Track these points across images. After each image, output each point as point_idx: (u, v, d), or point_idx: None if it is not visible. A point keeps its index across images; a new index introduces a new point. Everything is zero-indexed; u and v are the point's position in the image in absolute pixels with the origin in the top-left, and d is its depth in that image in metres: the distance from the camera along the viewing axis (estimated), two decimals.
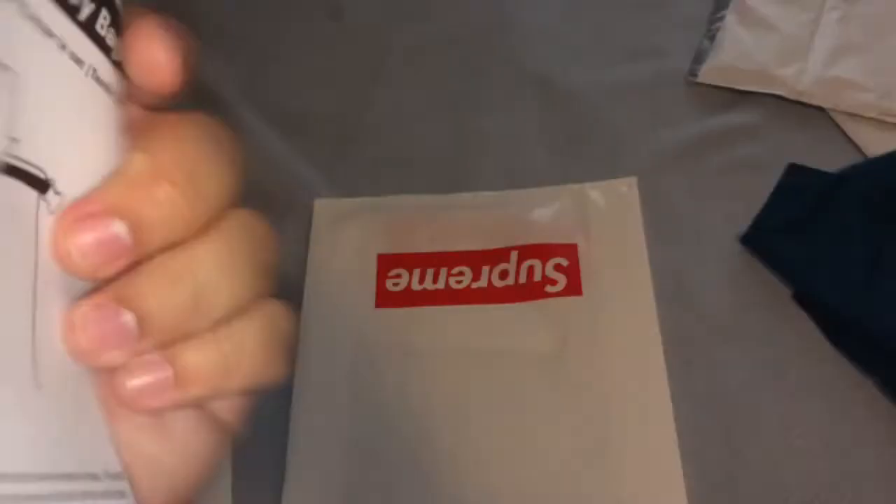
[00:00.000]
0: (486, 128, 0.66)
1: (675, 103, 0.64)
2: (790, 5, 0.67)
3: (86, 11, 0.18)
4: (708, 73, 0.64)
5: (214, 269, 0.20)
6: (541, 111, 0.66)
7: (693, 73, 0.65)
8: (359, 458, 0.51)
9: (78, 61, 0.18)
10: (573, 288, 0.56)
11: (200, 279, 0.20)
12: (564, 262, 0.57)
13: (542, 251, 0.58)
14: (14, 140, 0.17)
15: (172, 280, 0.19)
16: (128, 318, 0.19)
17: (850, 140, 0.61)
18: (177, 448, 0.22)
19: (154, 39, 0.20)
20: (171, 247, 0.19)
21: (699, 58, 0.66)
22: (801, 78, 0.63)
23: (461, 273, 0.58)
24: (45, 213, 0.18)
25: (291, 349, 0.22)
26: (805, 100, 0.62)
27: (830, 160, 0.59)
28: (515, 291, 0.56)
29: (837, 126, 0.62)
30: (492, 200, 0.61)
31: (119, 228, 0.18)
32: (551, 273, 0.57)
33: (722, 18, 0.67)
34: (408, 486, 0.51)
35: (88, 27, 0.18)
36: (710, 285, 0.56)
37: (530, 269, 0.57)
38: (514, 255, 0.58)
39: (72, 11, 0.18)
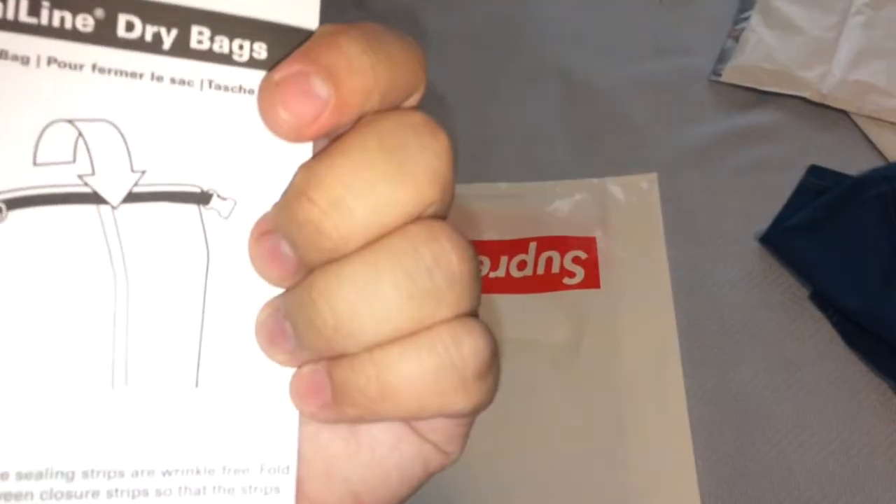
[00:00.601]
0: (507, 120, 0.66)
1: (698, 102, 0.65)
2: (815, 8, 0.67)
3: (169, 40, 0.19)
4: (731, 73, 0.65)
5: (358, 291, 0.18)
6: (563, 105, 0.66)
7: (717, 73, 0.65)
8: None
9: (182, 83, 0.19)
10: (591, 281, 0.56)
11: (345, 298, 0.18)
12: (583, 255, 0.57)
13: (561, 243, 0.58)
14: (141, 172, 0.19)
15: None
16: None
17: (871, 144, 0.61)
18: (364, 456, 0.21)
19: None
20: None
21: (723, 57, 0.66)
22: (825, 80, 0.63)
23: (480, 263, 0.58)
24: (215, 219, 0.20)
25: (486, 375, 0.19)
26: (828, 102, 0.62)
27: (852, 163, 0.59)
28: (533, 282, 0.57)
29: (860, 129, 0.62)
30: (511, 191, 0.61)
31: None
32: (569, 265, 0.57)
33: (747, 19, 0.67)
34: None
35: (180, 51, 0.19)
36: (728, 283, 0.56)
37: (549, 260, 0.57)
38: (532, 247, 0.58)
39: (150, 48, 0.19)
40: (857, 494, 0.48)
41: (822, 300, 0.55)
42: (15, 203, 0.18)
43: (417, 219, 0.19)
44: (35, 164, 0.19)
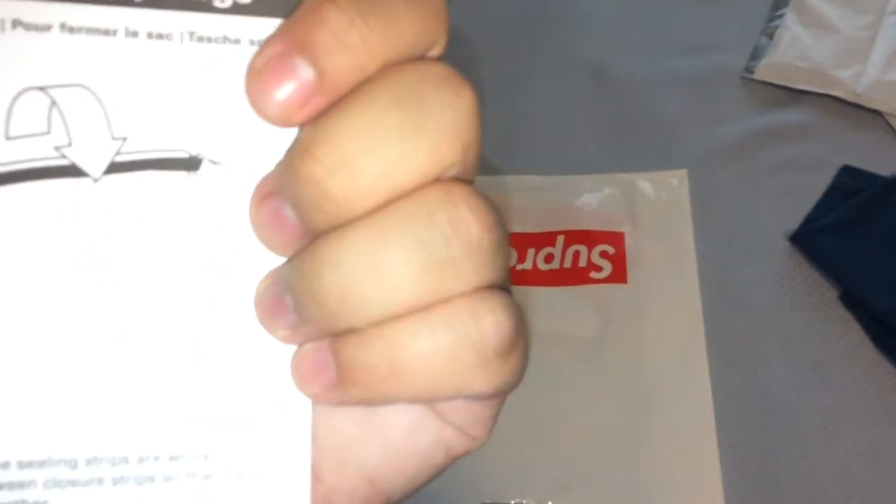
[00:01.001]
0: (537, 112, 0.66)
1: (730, 99, 0.64)
2: (851, 7, 0.66)
3: None
4: (764, 71, 0.64)
5: (366, 259, 0.17)
6: (594, 99, 0.66)
7: (749, 70, 0.65)
8: None
9: (160, 37, 0.18)
10: (618, 275, 0.56)
11: (351, 268, 0.17)
12: (610, 250, 0.57)
13: (589, 237, 0.58)
14: (122, 139, 0.18)
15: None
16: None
17: None
18: (379, 440, 0.20)
19: None
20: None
21: (756, 54, 0.66)
22: (859, 80, 0.62)
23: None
24: (206, 186, 0.18)
25: (509, 353, 0.18)
26: (862, 102, 0.62)
27: (885, 164, 0.59)
28: (560, 275, 0.57)
29: (893, 130, 0.61)
30: (540, 184, 0.61)
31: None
32: (597, 259, 0.57)
33: (782, 16, 0.66)
34: None
35: (155, 1, 0.18)
36: (757, 282, 0.56)
37: (576, 254, 0.57)
38: (560, 240, 0.58)
39: (122, 1, 0.18)
40: (883, 498, 0.48)
41: (852, 301, 0.54)
42: None
43: (435, 181, 0.17)
44: (7, 137, 0.17)
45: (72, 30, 0.17)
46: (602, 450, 0.51)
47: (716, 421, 0.51)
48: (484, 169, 0.63)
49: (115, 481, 0.18)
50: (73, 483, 0.18)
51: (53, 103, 0.18)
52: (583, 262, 0.57)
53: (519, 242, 0.58)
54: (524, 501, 0.50)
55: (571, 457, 0.51)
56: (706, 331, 0.54)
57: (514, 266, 0.57)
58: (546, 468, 0.51)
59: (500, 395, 0.19)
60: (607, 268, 0.56)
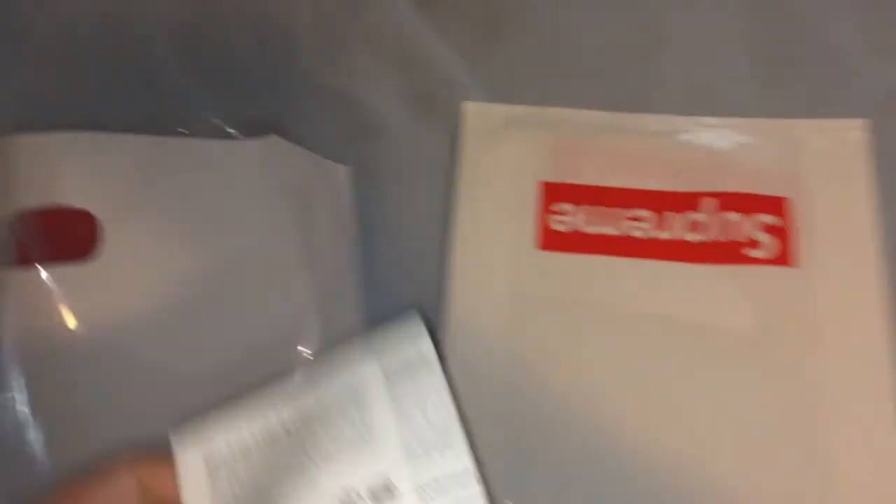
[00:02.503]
0: (676, 32, 0.54)
1: None
2: None
3: None
4: None
5: None
6: (749, 21, 0.54)
7: None
8: (512, 419, 0.44)
9: None
10: (782, 255, 0.46)
11: None
12: (772, 221, 0.47)
13: (745, 203, 0.47)
14: None
15: None
16: None
17: None
18: None
19: None
20: None
21: None
22: None
23: (641, 218, 0.48)
24: None
25: None
26: None
27: None
28: (708, 250, 0.47)
29: None
30: (678, 127, 0.50)
31: None
32: (755, 233, 0.47)
33: None
34: (565, 453, 0.44)
35: None
36: None
37: (728, 224, 0.47)
38: (707, 204, 0.48)
39: None
40: None
41: None
42: None
43: None
44: None
45: None
46: (757, 461, 0.42)
47: None
48: (606, 104, 0.53)
49: None
50: None
51: None
52: (737, 235, 0.47)
53: (656, 202, 0.48)
54: None
55: (718, 464, 0.43)
56: (892, 328, 0.44)
57: (652, 234, 0.48)
58: (686, 474, 0.43)
59: None
60: (768, 244, 0.46)
